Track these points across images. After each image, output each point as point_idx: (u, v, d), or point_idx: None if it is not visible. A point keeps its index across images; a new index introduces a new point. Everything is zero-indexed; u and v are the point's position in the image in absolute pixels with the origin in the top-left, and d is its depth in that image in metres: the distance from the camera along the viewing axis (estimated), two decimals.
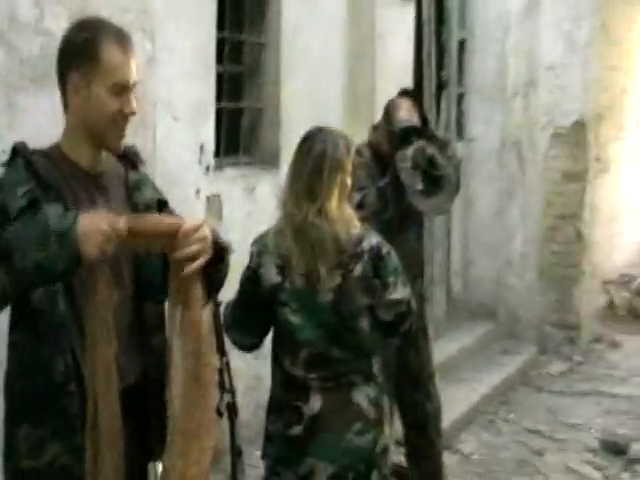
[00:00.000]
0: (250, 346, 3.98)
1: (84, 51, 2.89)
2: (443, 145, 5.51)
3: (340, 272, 3.71)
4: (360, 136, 6.53)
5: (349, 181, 3.84)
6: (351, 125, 6.66)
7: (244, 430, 5.56)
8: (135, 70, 2.94)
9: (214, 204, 5.44)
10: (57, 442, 2.86)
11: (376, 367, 3.88)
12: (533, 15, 9.64)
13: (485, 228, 9.69)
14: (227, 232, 5.56)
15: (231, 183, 5.65)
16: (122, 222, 2.67)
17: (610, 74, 11.90)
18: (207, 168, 5.33)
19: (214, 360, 3.05)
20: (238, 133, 5.99)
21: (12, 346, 2.94)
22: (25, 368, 2.90)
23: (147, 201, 3.13)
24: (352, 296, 3.74)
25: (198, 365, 2.94)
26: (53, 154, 2.97)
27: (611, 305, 12.22)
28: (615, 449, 7.55)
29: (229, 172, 5.65)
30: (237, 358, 5.55)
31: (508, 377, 8.90)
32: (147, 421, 3.07)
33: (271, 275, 3.72)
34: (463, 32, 9.35)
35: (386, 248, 3.82)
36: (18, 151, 2.93)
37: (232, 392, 5.56)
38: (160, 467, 3.08)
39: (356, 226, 3.78)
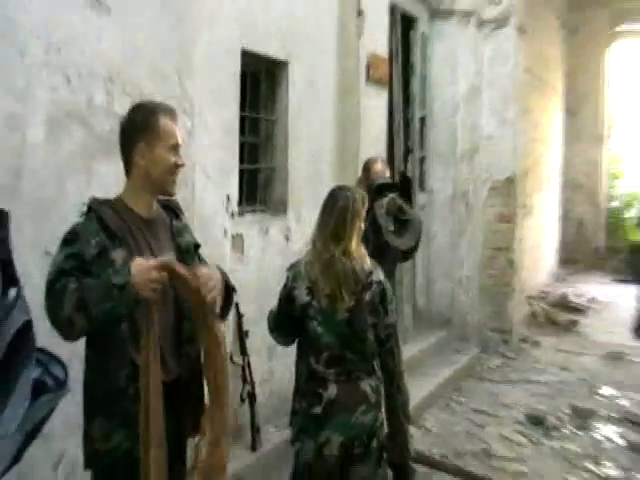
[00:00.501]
0: (286, 343, 4.07)
1: (147, 126, 2.99)
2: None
3: (355, 297, 3.79)
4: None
5: (363, 226, 3.93)
6: (340, 180, 6.64)
7: (261, 411, 5.56)
8: (180, 134, 3.08)
9: (237, 241, 5.44)
10: (122, 431, 2.95)
11: (376, 365, 3.95)
12: (475, 99, 9.66)
13: (442, 257, 9.67)
14: (247, 262, 5.57)
15: (250, 226, 5.62)
16: (162, 267, 2.79)
17: (531, 144, 12.01)
18: (232, 214, 5.31)
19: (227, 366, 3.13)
20: (256, 187, 5.96)
21: (87, 360, 3.05)
22: (96, 376, 3.00)
23: (187, 244, 3.22)
24: (362, 316, 3.82)
25: (216, 371, 3.04)
26: (117, 203, 3.07)
27: (533, 314, 12.27)
28: (537, 421, 7.55)
29: (248, 217, 5.63)
30: (255, 357, 5.57)
31: (458, 370, 8.85)
32: (183, 407, 3.12)
33: (302, 296, 3.79)
34: (424, 111, 9.34)
35: (387, 282, 3.95)
36: (92, 206, 3.02)
37: (252, 383, 5.57)
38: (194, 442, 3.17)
39: (367, 262, 3.88)
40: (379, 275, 3.90)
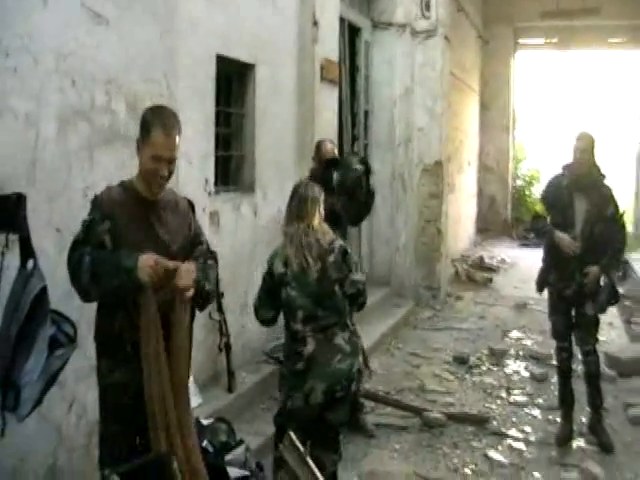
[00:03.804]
0: (271, 318, 4.03)
1: (143, 128, 2.89)
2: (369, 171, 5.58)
3: (320, 260, 3.85)
4: (305, 171, 6.53)
5: (322, 210, 4.04)
6: (299, 165, 6.63)
7: (235, 359, 5.54)
8: (173, 148, 2.92)
9: (214, 217, 5.39)
10: (122, 368, 2.99)
11: (348, 320, 3.99)
12: (409, 97, 9.63)
13: (382, 229, 9.66)
14: (222, 234, 5.51)
15: (224, 203, 5.56)
16: (161, 262, 2.80)
17: (453, 133, 12.03)
18: (209, 193, 5.25)
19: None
20: (229, 171, 5.89)
21: (97, 313, 3.05)
22: (100, 326, 3.06)
23: (197, 228, 3.22)
24: (328, 274, 3.87)
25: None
26: (127, 184, 3.03)
27: (456, 274, 12.30)
28: (461, 361, 7.63)
29: (223, 196, 5.56)
30: (230, 314, 5.54)
31: (397, 321, 8.87)
32: None
33: (279, 268, 3.84)
34: (367, 106, 9.28)
35: (348, 248, 4.05)
36: (95, 200, 2.99)
37: (227, 336, 5.50)
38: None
39: (330, 234, 3.98)
40: (340, 242, 4.00)
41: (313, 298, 3.82)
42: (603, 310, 5.45)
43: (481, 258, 13.65)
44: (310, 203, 3.95)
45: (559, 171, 5.56)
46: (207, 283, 3.06)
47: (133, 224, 2.93)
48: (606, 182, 5.47)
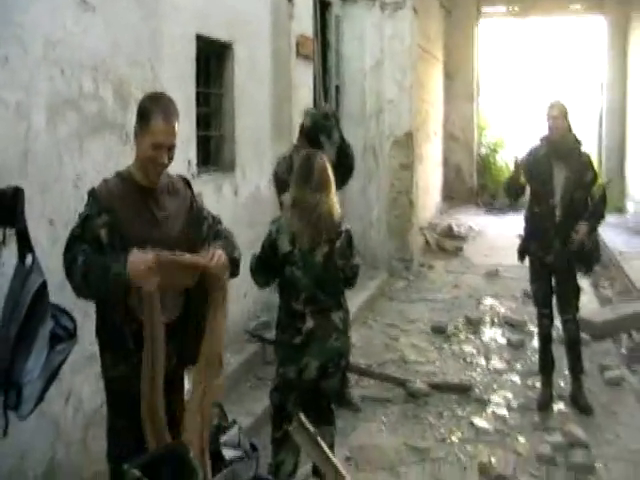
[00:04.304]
0: (265, 283, 4.00)
1: (143, 116, 2.82)
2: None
3: (328, 245, 3.81)
4: (282, 148, 6.48)
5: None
6: (276, 143, 6.59)
7: None
8: (173, 135, 2.88)
9: (198, 199, 5.29)
10: (124, 362, 2.95)
11: (343, 300, 4.01)
12: (379, 70, 9.59)
13: (355, 202, 9.59)
14: None
15: (206, 184, 5.50)
16: (154, 260, 2.71)
17: (420, 104, 11.98)
18: (192, 175, 5.16)
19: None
20: (209, 151, 5.81)
21: (97, 309, 3.01)
22: (102, 321, 3.01)
23: (198, 204, 3.19)
24: (334, 261, 3.85)
25: (218, 322, 3.02)
26: (124, 174, 2.97)
27: (426, 243, 12.31)
28: (439, 331, 7.68)
29: (205, 177, 5.51)
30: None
31: (372, 294, 8.88)
32: (182, 343, 3.07)
33: (285, 246, 3.76)
34: (338, 80, 9.22)
35: (351, 232, 4.00)
36: (92, 193, 2.91)
37: None
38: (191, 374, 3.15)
39: (339, 212, 3.90)
40: (346, 225, 3.97)
41: (317, 282, 3.80)
42: (591, 269, 5.56)
43: (450, 227, 13.69)
44: (328, 176, 3.85)
45: (536, 142, 5.65)
46: (234, 250, 3.07)
47: (133, 214, 2.89)
48: (583, 149, 5.58)
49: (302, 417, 2.89)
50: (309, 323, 3.79)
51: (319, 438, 2.86)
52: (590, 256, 5.53)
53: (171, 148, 2.89)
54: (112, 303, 2.86)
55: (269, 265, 3.83)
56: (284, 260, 3.77)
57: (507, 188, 5.87)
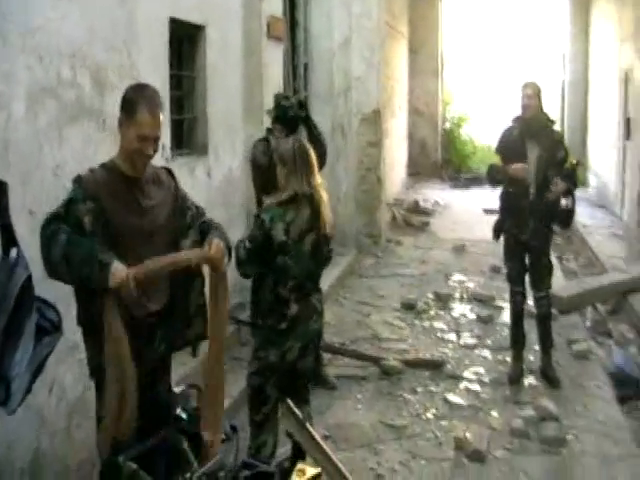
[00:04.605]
0: (249, 274, 3.92)
1: (128, 107, 2.80)
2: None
3: (316, 232, 3.84)
4: (254, 129, 6.46)
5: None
6: (247, 123, 6.56)
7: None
8: (158, 127, 2.88)
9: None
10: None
11: (319, 282, 4.05)
12: (347, 48, 9.55)
13: (323, 179, 9.60)
14: None
15: (180, 168, 5.36)
16: (134, 273, 2.69)
17: (387, 80, 12.00)
18: (167, 160, 5.12)
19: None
20: (182, 135, 5.75)
21: (77, 299, 2.97)
22: (82, 310, 2.96)
23: (182, 193, 3.16)
24: (321, 247, 3.91)
25: (220, 310, 3.04)
26: (109, 165, 2.94)
27: (394, 219, 12.39)
28: (409, 307, 7.77)
29: (178, 160, 5.43)
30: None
31: (342, 271, 8.91)
32: (171, 329, 3.09)
33: (279, 235, 3.72)
34: (306, 58, 9.15)
35: None
36: (79, 180, 2.87)
37: None
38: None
39: (327, 199, 3.91)
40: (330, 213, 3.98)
41: (306, 272, 3.83)
42: (568, 226, 5.69)
43: (416, 202, 13.81)
44: (312, 158, 3.84)
45: (509, 124, 5.74)
46: (228, 239, 3.11)
47: (119, 203, 2.87)
48: (555, 128, 5.71)
49: (289, 402, 2.93)
50: (293, 309, 3.81)
51: (308, 424, 2.90)
52: (571, 213, 5.68)
53: (156, 140, 2.88)
54: (90, 288, 2.82)
55: (260, 255, 3.77)
56: (278, 250, 3.74)
57: (490, 179, 5.90)
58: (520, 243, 5.64)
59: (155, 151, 2.91)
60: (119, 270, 2.67)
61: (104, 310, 2.73)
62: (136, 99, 2.84)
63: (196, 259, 2.91)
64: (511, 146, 5.59)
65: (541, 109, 5.56)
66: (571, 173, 5.62)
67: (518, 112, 5.62)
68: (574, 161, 5.86)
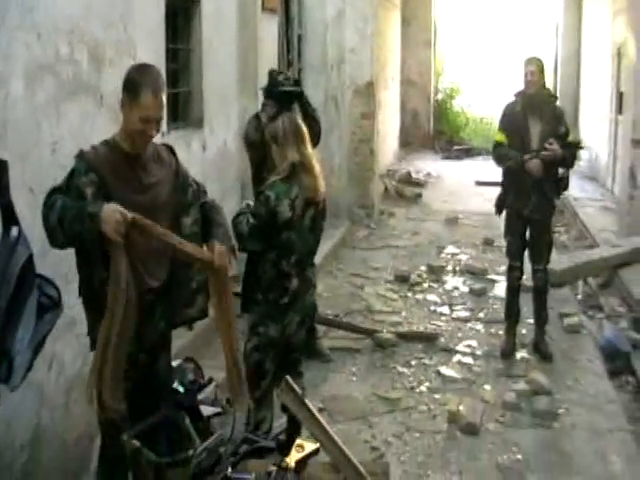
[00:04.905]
0: (253, 247, 3.88)
1: (131, 89, 2.79)
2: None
3: (314, 206, 3.87)
4: (248, 102, 6.43)
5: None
6: (242, 96, 6.53)
7: None
8: (161, 108, 2.88)
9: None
10: None
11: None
12: (341, 19, 9.49)
13: (319, 149, 9.59)
14: None
15: (176, 141, 5.31)
16: (130, 216, 2.68)
17: (380, 51, 11.91)
18: (162, 134, 5.06)
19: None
20: (177, 108, 5.72)
21: (79, 270, 2.98)
22: (83, 282, 2.98)
23: (183, 171, 3.18)
24: (319, 221, 3.97)
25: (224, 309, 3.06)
26: (111, 142, 2.94)
27: (386, 190, 12.38)
28: (402, 279, 7.79)
29: (174, 134, 5.41)
30: None
31: (335, 242, 8.92)
32: (171, 306, 3.11)
33: (286, 212, 3.73)
34: (300, 30, 9.06)
35: None
36: (81, 154, 2.87)
37: None
38: None
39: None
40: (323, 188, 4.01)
41: (307, 246, 3.88)
42: (559, 194, 5.72)
43: (409, 173, 13.81)
44: (302, 130, 3.89)
45: (511, 98, 5.75)
46: (231, 238, 3.17)
47: (121, 179, 2.88)
48: (557, 104, 5.78)
49: (289, 379, 2.95)
50: (294, 283, 3.84)
51: (307, 400, 2.93)
52: (566, 181, 5.71)
53: (158, 121, 2.88)
54: (86, 249, 2.82)
55: (264, 232, 3.77)
56: (283, 226, 3.75)
57: (499, 161, 5.85)
58: (522, 217, 5.66)
59: (157, 131, 2.90)
60: (110, 210, 2.66)
61: (111, 260, 2.73)
62: (140, 80, 2.82)
63: (200, 259, 2.96)
64: (513, 121, 5.61)
65: (544, 85, 5.62)
66: (570, 146, 5.63)
67: (520, 86, 5.66)
68: (577, 140, 5.88)
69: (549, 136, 5.46)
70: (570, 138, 5.70)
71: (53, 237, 2.78)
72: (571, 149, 5.63)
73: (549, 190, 5.57)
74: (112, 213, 2.65)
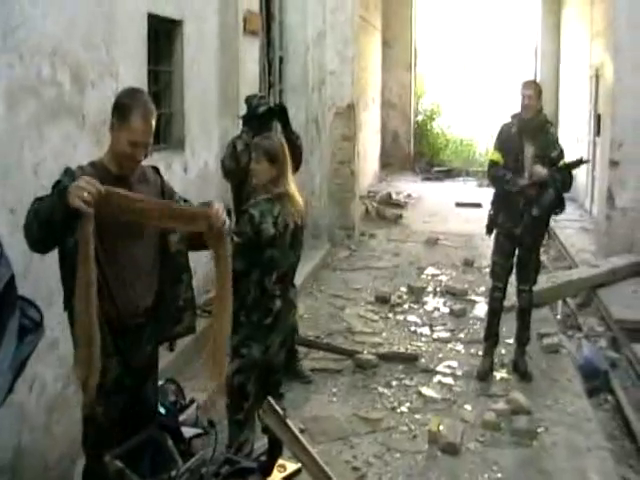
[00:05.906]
0: (239, 270, 3.78)
1: (121, 112, 2.82)
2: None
3: (294, 223, 3.91)
4: (229, 123, 6.47)
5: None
6: (223, 118, 6.57)
7: None
8: (151, 133, 2.90)
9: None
10: None
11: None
12: (321, 41, 9.59)
13: (298, 173, 9.63)
14: None
15: (157, 163, 5.32)
16: (103, 187, 2.59)
17: (361, 73, 12.05)
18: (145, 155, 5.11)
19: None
20: (158, 130, 5.72)
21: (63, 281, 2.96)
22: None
23: (169, 189, 3.19)
24: (299, 237, 4.00)
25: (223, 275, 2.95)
26: (97, 163, 2.96)
27: (367, 211, 12.48)
28: (383, 300, 7.83)
29: (155, 156, 5.31)
30: None
31: (316, 264, 8.96)
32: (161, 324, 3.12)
33: (269, 229, 3.77)
34: (281, 52, 9.14)
35: None
36: (67, 170, 2.89)
37: None
38: None
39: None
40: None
41: (288, 262, 3.93)
42: (543, 210, 5.67)
43: (389, 194, 13.91)
44: (285, 151, 3.94)
45: (507, 120, 5.86)
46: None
47: None
48: (552, 129, 5.89)
49: (271, 400, 2.98)
50: (278, 303, 3.88)
51: (288, 420, 2.96)
52: (546, 200, 5.65)
53: (147, 145, 2.91)
54: (56, 232, 2.72)
55: (249, 251, 3.80)
56: (266, 244, 3.79)
57: (496, 183, 5.93)
58: (512, 238, 5.75)
59: (146, 156, 2.93)
60: (77, 183, 2.57)
61: (78, 233, 2.62)
62: (130, 105, 2.85)
63: (194, 214, 2.88)
64: (509, 142, 5.72)
65: (540, 109, 5.70)
66: (561, 169, 5.69)
67: (512, 108, 5.85)
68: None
69: (541, 160, 5.58)
70: (562, 162, 5.74)
71: (28, 234, 2.73)
72: (562, 173, 5.70)
73: (540, 211, 5.63)
74: (79, 182, 2.58)
